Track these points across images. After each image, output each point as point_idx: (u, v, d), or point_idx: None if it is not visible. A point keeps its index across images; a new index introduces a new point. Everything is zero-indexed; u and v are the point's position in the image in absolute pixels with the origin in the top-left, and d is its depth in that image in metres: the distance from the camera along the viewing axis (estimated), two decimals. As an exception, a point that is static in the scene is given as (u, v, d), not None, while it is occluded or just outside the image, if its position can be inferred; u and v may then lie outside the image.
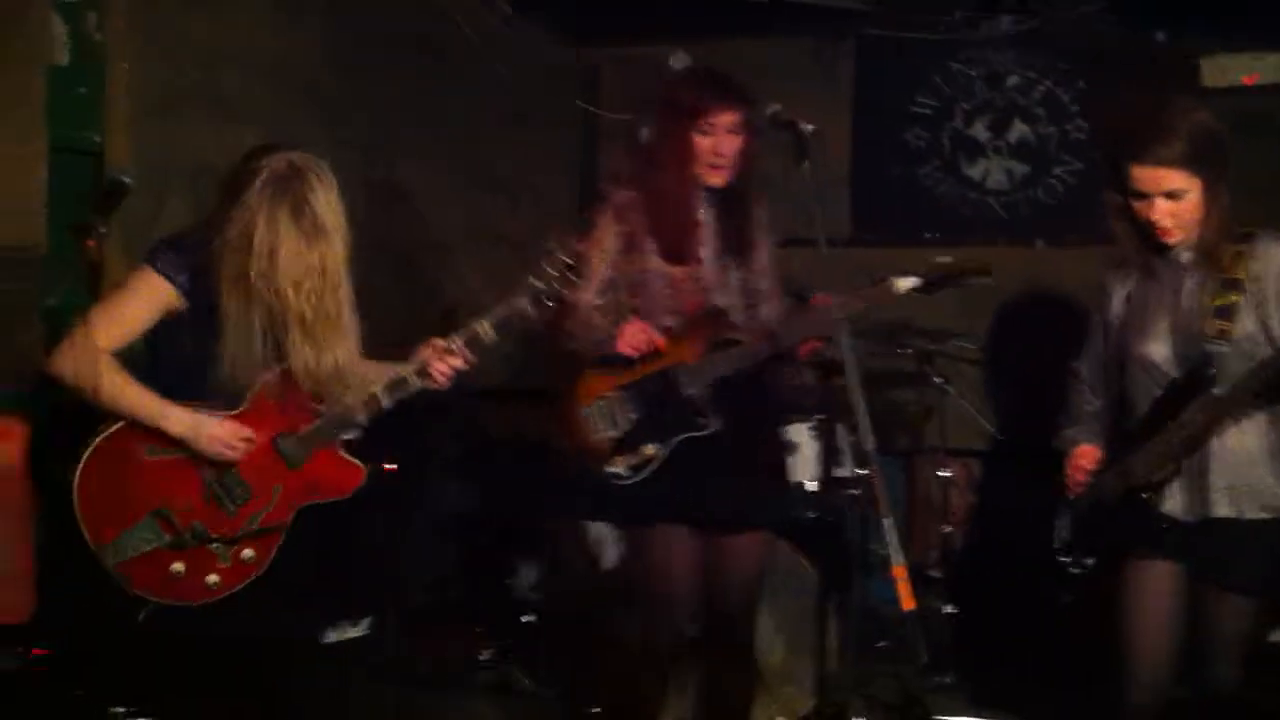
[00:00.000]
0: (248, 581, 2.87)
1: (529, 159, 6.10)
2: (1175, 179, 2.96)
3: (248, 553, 2.88)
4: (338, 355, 2.88)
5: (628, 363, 3.31)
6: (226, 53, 4.30)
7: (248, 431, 2.84)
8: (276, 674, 2.94)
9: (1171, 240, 3.04)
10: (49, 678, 3.15)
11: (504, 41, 5.72)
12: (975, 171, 5.89)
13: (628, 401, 3.32)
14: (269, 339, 2.86)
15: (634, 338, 3.28)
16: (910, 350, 4.92)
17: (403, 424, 2.97)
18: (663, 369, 3.30)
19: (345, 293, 2.88)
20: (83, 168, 3.82)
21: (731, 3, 5.48)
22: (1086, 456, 3.31)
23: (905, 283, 3.20)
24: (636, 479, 3.28)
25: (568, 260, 2.95)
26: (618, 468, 3.28)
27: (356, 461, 2.96)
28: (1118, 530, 3.16)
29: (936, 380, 4.91)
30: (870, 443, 2.67)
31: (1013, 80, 5.79)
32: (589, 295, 3.36)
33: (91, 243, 2.63)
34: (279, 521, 2.90)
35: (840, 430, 4.59)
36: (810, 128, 3.02)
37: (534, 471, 4.85)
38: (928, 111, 5.94)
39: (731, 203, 3.40)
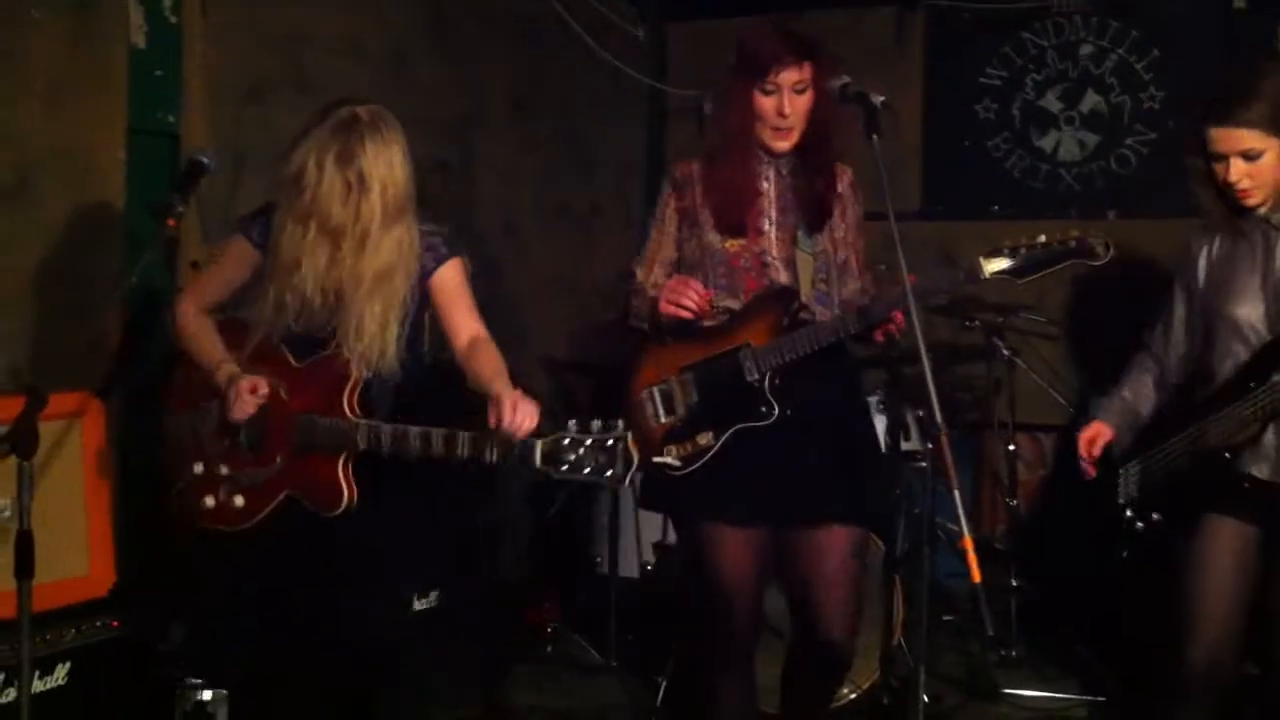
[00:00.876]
0: (232, 529, 2.89)
1: (605, 136, 6.13)
2: (1251, 139, 2.95)
3: (239, 500, 2.90)
4: (363, 313, 2.80)
5: (692, 345, 3.07)
6: (307, 34, 4.35)
7: (263, 389, 2.82)
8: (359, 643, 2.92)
9: (1252, 201, 3.02)
10: (130, 651, 3.23)
11: (590, 17, 5.75)
12: (1046, 143, 5.82)
13: (688, 386, 3.07)
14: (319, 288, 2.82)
15: (673, 293, 3.01)
16: (978, 323, 4.89)
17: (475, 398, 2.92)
18: (726, 351, 3.04)
19: (381, 248, 2.79)
20: (160, 149, 3.90)
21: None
22: (1097, 433, 3.33)
23: (994, 264, 2.90)
24: (688, 470, 3.02)
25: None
26: (669, 457, 3.04)
27: (348, 487, 2.79)
28: (1193, 488, 3.10)
29: (1005, 353, 4.87)
30: (939, 415, 2.65)
31: (1085, 50, 5.71)
32: (653, 275, 3.19)
33: (172, 222, 2.69)
34: (267, 496, 2.88)
35: (907, 404, 4.58)
36: (881, 99, 2.89)
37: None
38: (998, 83, 5.87)
39: (801, 169, 3.11)
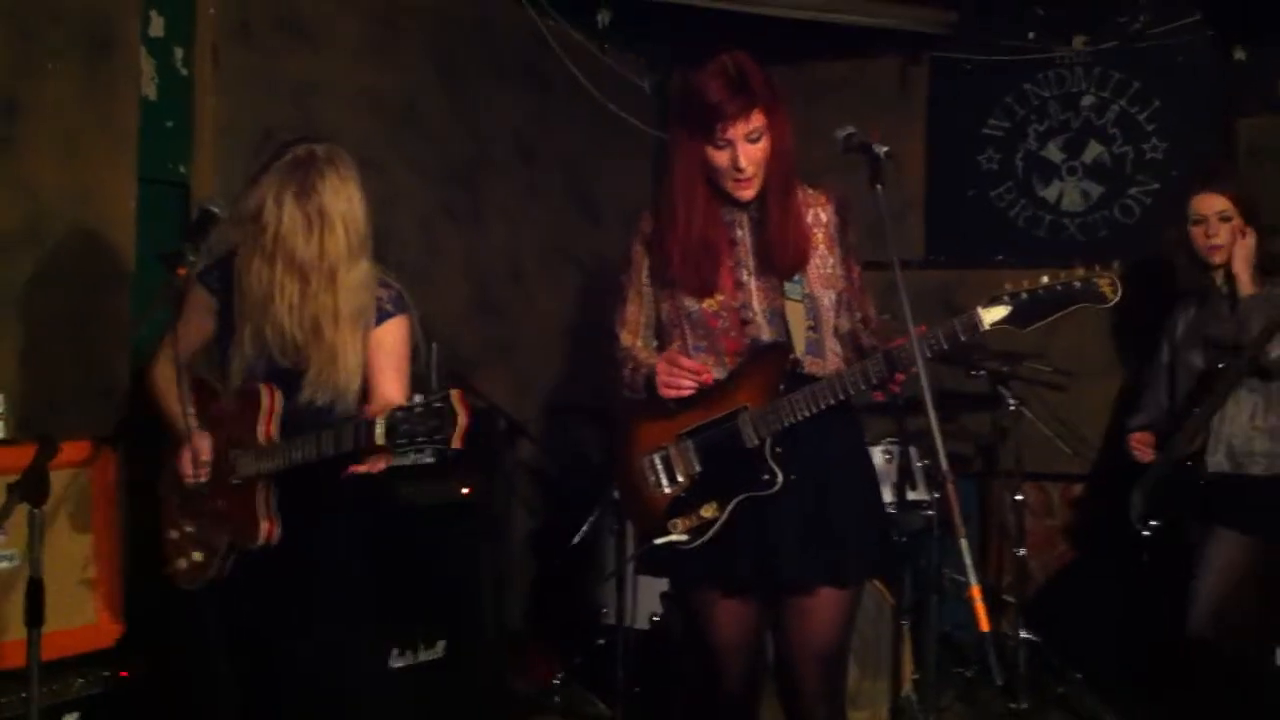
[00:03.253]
0: (200, 585, 2.88)
1: (610, 184, 6.18)
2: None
3: (198, 555, 2.89)
4: (343, 344, 2.83)
5: (688, 409, 2.90)
6: (317, 84, 4.39)
7: (204, 457, 2.84)
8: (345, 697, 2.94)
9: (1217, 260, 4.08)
10: (138, 701, 3.21)
11: (596, 67, 5.81)
12: (1050, 193, 5.85)
13: (688, 453, 2.91)
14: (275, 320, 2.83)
15: (669, 377, 2.86)
16: (984, 372, 4.90)
17: (481, 446, 2.94)
18: (724, 416, 2.88)
19: (348, 285, 2.81)
20: (171, 199, 3.94)
21: (806, 26, 5.52)
22: (1140, 439, 4.30)
23: (994, 313, 2.73)
24: (696, 544, 2.86)
25: None
26: (675, 533, 2.87)
27: (266, 518, 2.80)
28: (1176, 493, 4.05)
29: (1011, 403, 4.88)
30: (944, 463, 2.63)
31: (1087, 100, 5.76)
32: (638, 340, 3.06)
33: (182, 271, 2.71)
34: (215, 544, 2.87)
35: (913, 453, 4.58)
36: (885, 150, 2.84)
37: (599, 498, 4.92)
38: (1000, 133, 5.91)
39: (765, 213, 2.91)
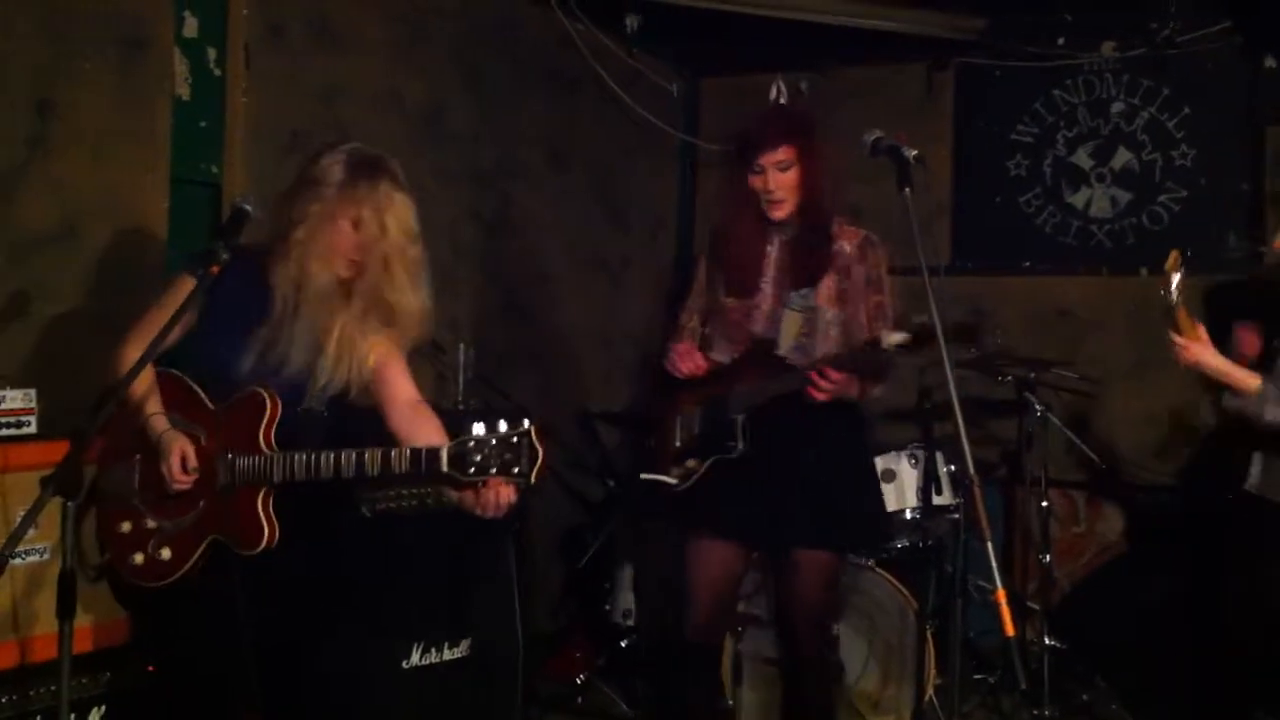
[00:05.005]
0: (164, 583, 2.80)
1: (638, 188, 6.20)
2: None
3: (165, 552, 2.81)
4: (350, 339, 2.82)
5: (710, 384, 3.50)
6: (346, 87, 4.43)
7: (193, 464, 2.76)
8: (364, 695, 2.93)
9: None
10: (162, 696, 3.22)
11: (624, 71, 5.84)
12: (1078, 199, 5.84)
13: (695, 418, 3.55)
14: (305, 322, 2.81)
15: (680, 357, 3.53)
16: (1010, 378, 4.89)
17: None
18: (721, 393, 3.48)
19: (396, 285, 2.81)
20: (203, 199, 3.97)
21: (833, 31, 5.53)
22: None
23: (894, 338, 3.24)
24: (682, 488, 3.51)
25: None
26: (670, 476, 3.54)
27: (268, 524, 2.74)
28: None
29: (1038, 409, 4.87)
30: (971, 466, 2.65)
31: (1116, 107, 5.74)
32: (692, 321, 3.67)
33: (215, 268, 2.72)
34: (193, 543, 2.79)
35: (939, 458, 4.58)
36: (914, 153, 2.94)
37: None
38: (1029, 139, 5.91)
39: (797, 234, 3.47)
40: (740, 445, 3.42)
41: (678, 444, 3.57)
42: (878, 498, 3.72)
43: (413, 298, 2.86)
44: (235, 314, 2.83)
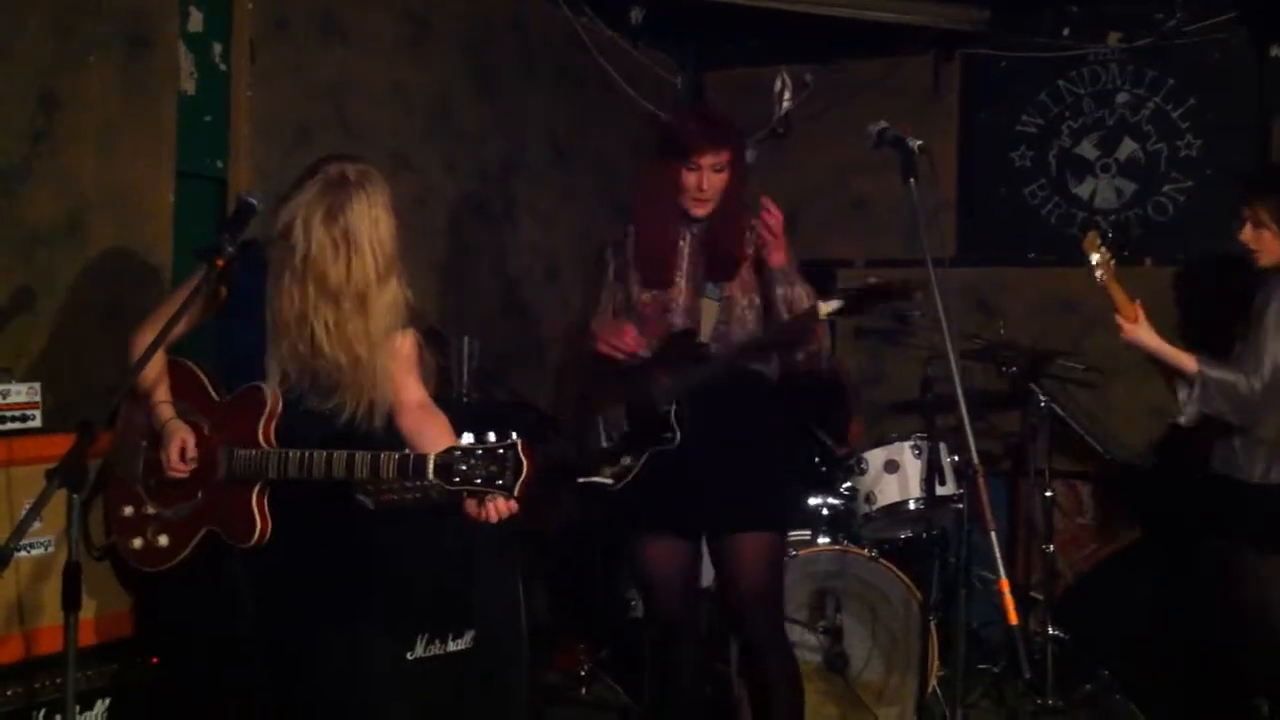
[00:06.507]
0: (160, 570, 2.88)
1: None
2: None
3: (163, 539, 2.89)
4: (370, 365, 2.85)
5: (628, 381, 3.56)
6: (352, 81, 4.42)
7: (192, 454, 2.83)
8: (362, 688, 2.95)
9: None
10: (167, 688, 3.22)
11: (629, 64, 5.84)
12: (1083, 190, 5.83)
13: (620, 416, 3.59)
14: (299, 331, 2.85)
15: (611, 334, 3.61)
16: (1015, 369, 4.89)
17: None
18: (644, 387, 3.54)
19: (378, 308, 2.84)
20: (208, 194, 3.98)
21: (838, 23, 5.53)
22: None
23: (829, 306, 3.36)
24: (618, 487, 3.55)
25: None
26: (604, 477, 3.57)
27: (261, 519, 2.81)
28: None
29: (1042, 400, 4.87)
30: (974, 455, 2.66)
31: (1121, 97, 5.73)
32: (599, 323, 3.72)
33: (221, 263, 2.74)
34: (189, 532, 2.87)
35: (943, 448, 4.58)
36: (918, 143, 2.97)
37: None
38: (1034, 130, 5.90)
39: (712, 230, 3.58)
40: (677, 435, 3.48)
41: (604, 444, 3.61)
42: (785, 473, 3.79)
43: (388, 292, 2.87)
44: (257, 306, 2.88)
